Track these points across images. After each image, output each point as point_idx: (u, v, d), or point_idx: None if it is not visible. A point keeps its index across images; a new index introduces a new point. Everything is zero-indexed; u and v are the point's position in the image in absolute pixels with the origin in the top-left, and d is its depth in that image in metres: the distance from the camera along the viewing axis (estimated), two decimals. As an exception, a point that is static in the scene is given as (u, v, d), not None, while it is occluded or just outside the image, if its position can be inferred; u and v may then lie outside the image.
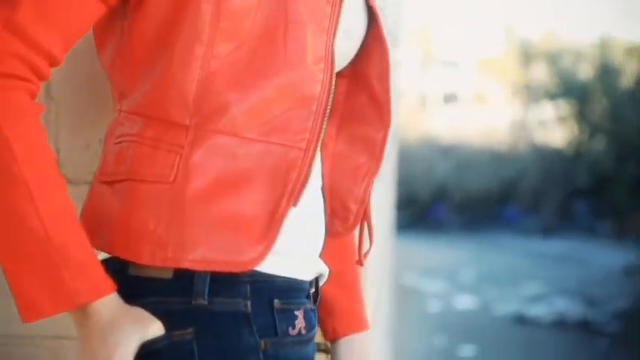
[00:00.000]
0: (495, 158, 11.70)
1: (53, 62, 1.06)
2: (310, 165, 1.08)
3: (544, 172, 11.08)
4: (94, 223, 1.08)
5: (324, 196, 1.20)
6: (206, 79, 1.07)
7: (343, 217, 1.25)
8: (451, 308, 6.69)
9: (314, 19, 1.12)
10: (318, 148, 1.12)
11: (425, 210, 11.01)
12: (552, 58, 11.69)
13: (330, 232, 1.23)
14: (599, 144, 10.85)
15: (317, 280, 1.19)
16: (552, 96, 11.46)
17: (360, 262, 1.27)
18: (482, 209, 11.04)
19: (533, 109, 11.97)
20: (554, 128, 11.70)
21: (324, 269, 1.18)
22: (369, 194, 1.26)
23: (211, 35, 1.07)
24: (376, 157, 1.27)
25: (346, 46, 1.20)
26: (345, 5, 1.16)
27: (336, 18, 1.14)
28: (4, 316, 1.42)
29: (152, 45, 1.10)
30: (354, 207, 1.25)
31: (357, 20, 1.22)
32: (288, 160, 1.08)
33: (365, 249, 1.27)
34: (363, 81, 1.27)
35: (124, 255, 1.04)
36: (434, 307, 6.72)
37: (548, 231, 10.25)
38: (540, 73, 11.91)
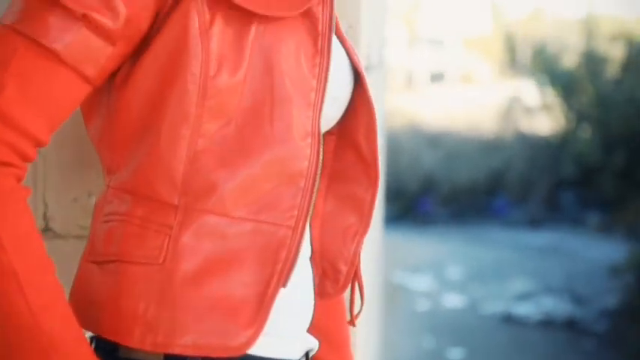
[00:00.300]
0: (482, 147, 11.73)
1: (39, 144, 1.06)
2: (299, 243, 1.09)
3: (531, 162, 11.12)
4: (84, 304, 1.08)
5: (312, 264, 1.21)
6: (193, 158, 1.07)
7: (334, 278, 1.25)
8: (439, 307, 6.71)
9: (300, 94, 1.12)
10: (308, 223, 1.13)
11: (413, 202, 11.03)
12: (537, 46, 11.70)
13: (321, 294, 1.24)
14: (586, 133, 10.88)
15: (307, 353, 1.19)
16: (538, 84, 11.48)
17: (352, 323, 1.28)
18: (471, 201, 11.06)
19: (519, 92, 11.98)
20: (540, 116, 11.73)
21: (313, 344, 1.19)
22: (359, 255, 1.27)
23: (198, 115, 1.07)
24: (365, 217, 1.27)
25: (333, 110, 1.21)
26: (330, 72, 1.16)
27: (322, 91, 1.14)
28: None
29: (138, 123, 1.10)
30: (344, 268, 1.26)
31: (343, 83, 1.22)
32: (278, 238, 1.08)
33: (356, 308, 1.27)
34: (351, 140, 1.27)
35: (113, 337, 1.05)
36: (422, 305, 6.74)
37: (535, 222, 10.29)
38: (526, 59, 11.93)
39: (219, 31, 1.08)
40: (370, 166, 1.26)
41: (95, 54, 1.06)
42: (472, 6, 16.17)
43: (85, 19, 1.05)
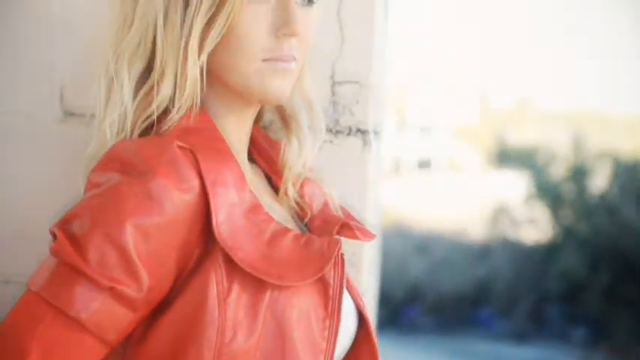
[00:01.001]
0: (469, 255, 11.75)
1: None
2: None
3: (517, 274, 11.13)
4: None
5: None
6: None
7: None
8: None
9: (310, 357, 1.18)
10: None
11: (399, 310, 11.00)
12: (526, 158, 11.84)
13: None
14: (572, 250, 10.92)
15: None
16: (526, 197, 11.56)
17: None
18: (456, 312, 11.04)
19: (506, 199, 12.04)
20: (527, 227, 11.78)
21: None
22: None
23: None
24: None
25: (337, 351, 1.26)
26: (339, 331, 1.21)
27: (331, 353, 1.19)
28: None
29: None
30: None
31: (347, 324, 1.28)
32: None
33: None
34: None
35: None
36: None
37: (521, 336, 10.26)
38: (514, 155, 12.04)
39: (236, 297, 1.14)
40: None
41: (117, 321, 1.12)
42: (461, 95, 16.41)
43: (111, 291, 1.10)
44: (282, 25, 1.26)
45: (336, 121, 1.56)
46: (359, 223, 1.42)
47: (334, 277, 1.22)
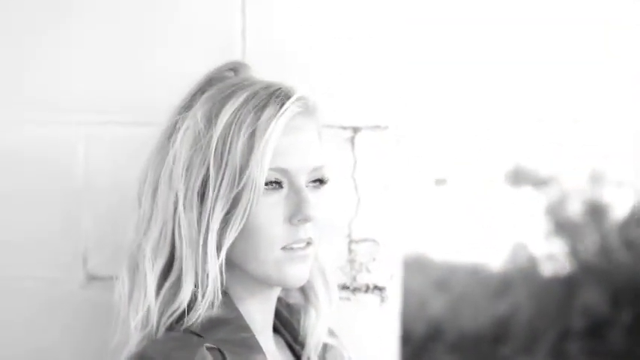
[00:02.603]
0: (489, 292, 11.70)
1: None
2: None
3: (537, 311, 11.07)
4: None
5: None
6: None
7: None
8: None
9: None
10: None
11: (419, 349, 10.95)
12: (540, 188, 11.79)
13: None
14: (591, 284, 10.86)
15: None
16: (545, 234, 11.52)
17: None
18: (477, 349, 10.98)
19: (526, 236, 11.98)
20: (546, 263, 11.73)
21: None
22: None
23: None
24: None
25: None
26: None
27: None
28: None
29: None
30: None
31: None
32: None
33: None
34: None
35: None
36: None
37: (543, 375, 10.20)
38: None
39: None
40: None
41: None
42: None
43: None
44: (297, 212, 1.28)
45: (354, 279, 1.59)
46: None
47: None
